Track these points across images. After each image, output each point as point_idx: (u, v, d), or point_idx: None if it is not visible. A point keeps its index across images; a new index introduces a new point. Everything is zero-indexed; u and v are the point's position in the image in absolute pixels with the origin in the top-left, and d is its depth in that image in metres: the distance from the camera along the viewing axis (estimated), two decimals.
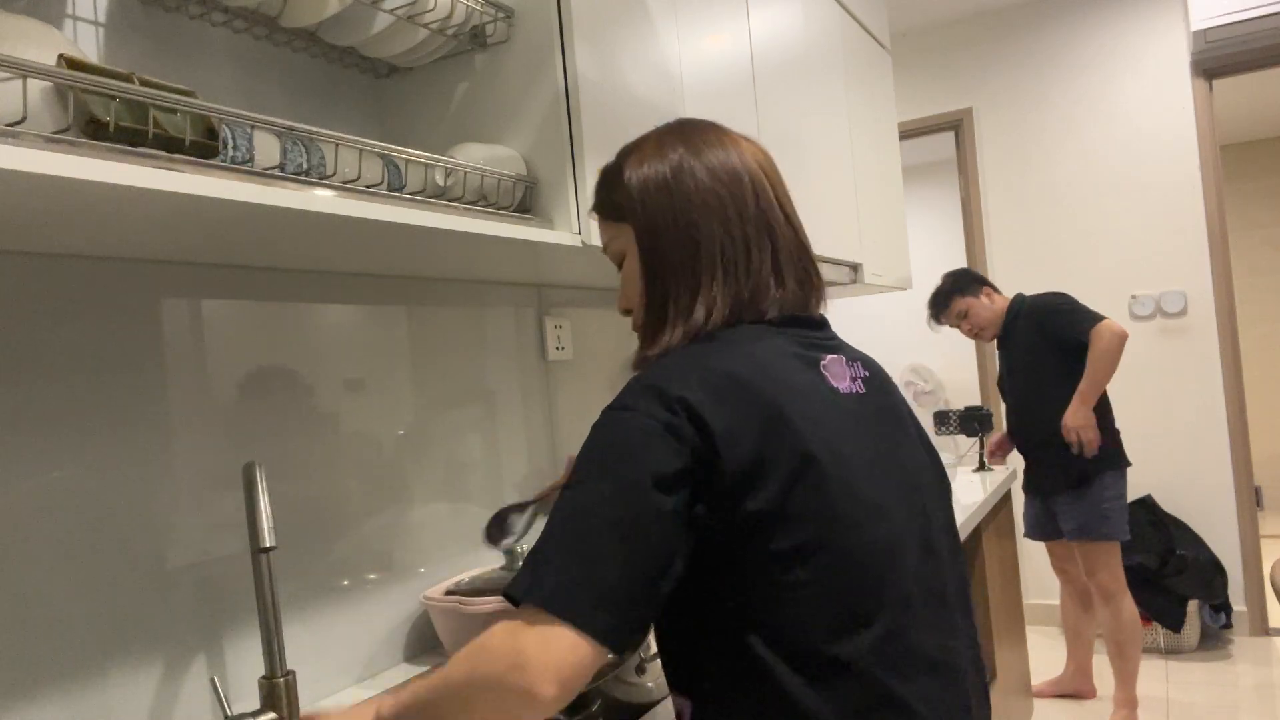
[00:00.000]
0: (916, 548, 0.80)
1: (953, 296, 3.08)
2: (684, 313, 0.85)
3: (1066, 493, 2.85)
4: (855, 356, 0.90)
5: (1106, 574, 2.84)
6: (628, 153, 0.91)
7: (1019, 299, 2.99)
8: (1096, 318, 2.75)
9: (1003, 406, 3.95)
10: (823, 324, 0.90)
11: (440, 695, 0.73)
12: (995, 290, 3.09)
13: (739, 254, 0.85)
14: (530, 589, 0.70)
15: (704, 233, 0.85)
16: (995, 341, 3.09)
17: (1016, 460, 3.96)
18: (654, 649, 1.07)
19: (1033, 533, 3.06)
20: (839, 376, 0.85)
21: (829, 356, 0.86)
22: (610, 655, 0.69)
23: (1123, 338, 2.71)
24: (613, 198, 0.91)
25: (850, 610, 0.74)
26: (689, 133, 0.90)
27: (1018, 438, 3.02)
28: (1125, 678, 2.85)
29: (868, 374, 0.89)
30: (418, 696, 0.76)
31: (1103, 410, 2.83)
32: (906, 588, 0.77)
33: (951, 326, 3.12)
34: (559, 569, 0.69)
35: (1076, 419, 2.76)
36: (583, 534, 0.70)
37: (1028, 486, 3.05)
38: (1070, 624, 3.13)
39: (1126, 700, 2.85)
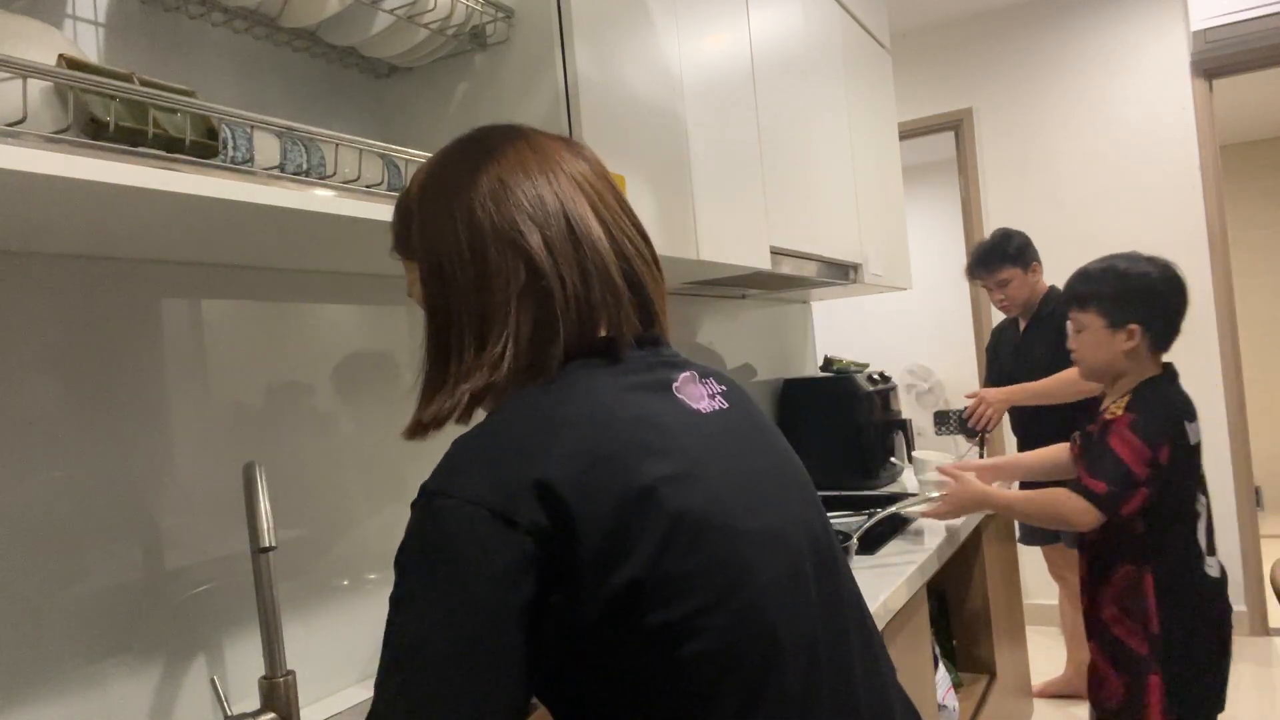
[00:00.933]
0: (813, 569, 0.73)
1: (1002, 263, 2.89)
2: (477, 362, 0.71)
3: None
4: (706, 372, 0.80)
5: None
6: (418, 178, 0.79)
7: (1054, 291, 2.89)
8: None
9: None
10: (659, 342, 0.79)
11: None
12: (1041, 269, 2.98)
13: (549, 287, 0.71)
14: None
15: (495, 266, 0.71)
16: (1007, 319, 3.02)
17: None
18: None
19: (1028, 538, 3.02)
20: (696, 397, 0.75)
21: (680, 375, 0.76)
22: None
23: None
24: (403, 232, 0.79)
25: (756, 675, 0.64)
26: (482, 150, 0.77)
27: (1020, 431, 2.99)
28: None
29: (724, 388, 0.80)
30: None
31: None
32: (811, 632, 0.69)
33: (984, 288, 2.99)
34: (409, 714, 0.59)
35: (996, 398, 2.71)
36: (426, 669, 0.60)
37: (1025, 488, 3.03)
38: (1070, 625, 3.13)
39: None
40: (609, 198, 0.78)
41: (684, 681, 0.63)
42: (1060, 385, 2.69)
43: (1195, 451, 1.74)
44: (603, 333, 0.74)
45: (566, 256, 0.72)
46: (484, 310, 0.72)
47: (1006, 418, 3.06)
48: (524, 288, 0.71)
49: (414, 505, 0.65)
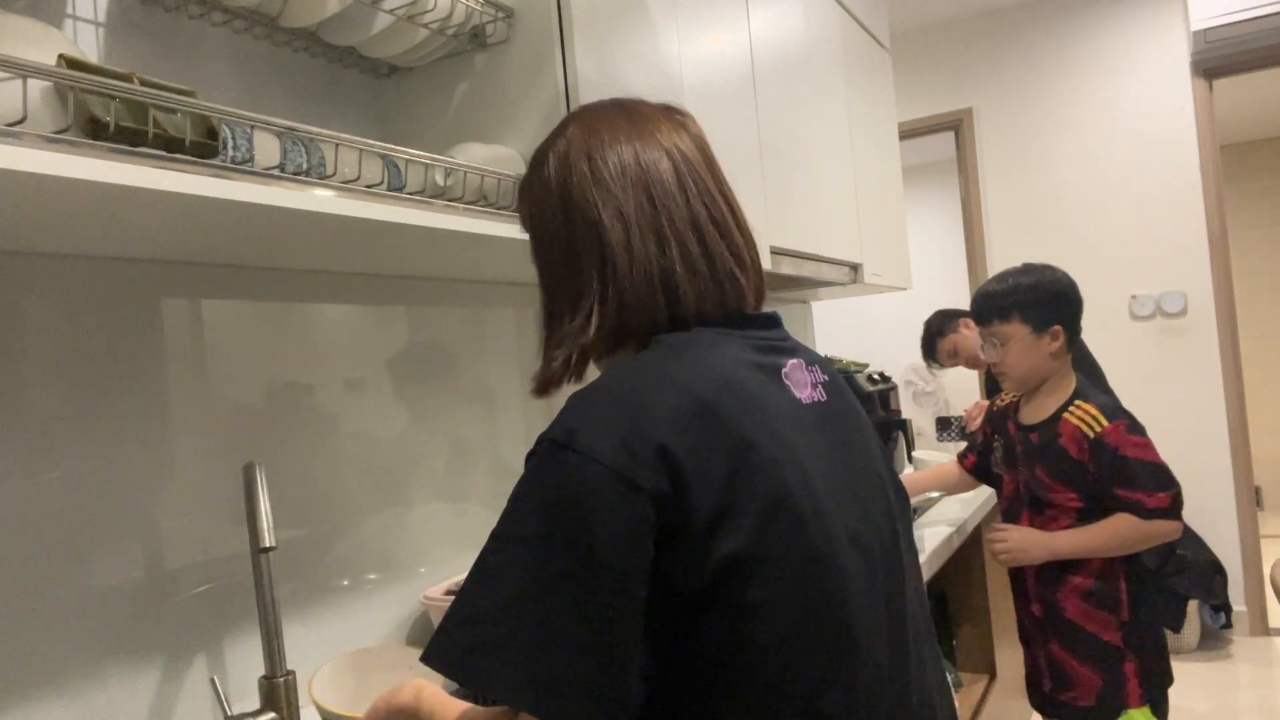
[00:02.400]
0: (882, 571, 0.74)
1: (935, 341, 3.05)
2: (572, 326, 0.76)
3: None
4: (813, 360, 0.81)
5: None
6: (533, 156, 0.84)
7: None
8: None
9: None
10: (776, 322, 0.81)
11: None
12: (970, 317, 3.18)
13: (624, 258, 0.74)
14: (494, 678, 0.61)
15: (579, 240, 0.76)
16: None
17: None
18: None
19: None
20: (801, 385, 0.76)
21: (790, 362, 0.77)
22: None
23: None
24: (520, 209, 0.85)
25: (830, 663, 0.66)
26: (579, 125, 0.81)
27: None
28: None
29: (826, 378, 0.81)
30: None
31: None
32: (880, 629, 0.71)
33: (952, 367, 3.12)
34: (523, 659, 0.60)
35: (979, 405, 2.76)
36: (540, 616, 0.61)
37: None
38: None
39: None
40: (701, 173, 0.79)
41: (759, 660, 0.65)
42: None
43: None
44: (717, 303, 0.76)
45: (645, 229, 0.75)
46: (573, 278, 0.76)
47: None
48: (604, 258, 0.75)
49: (532, 455, 0.66)
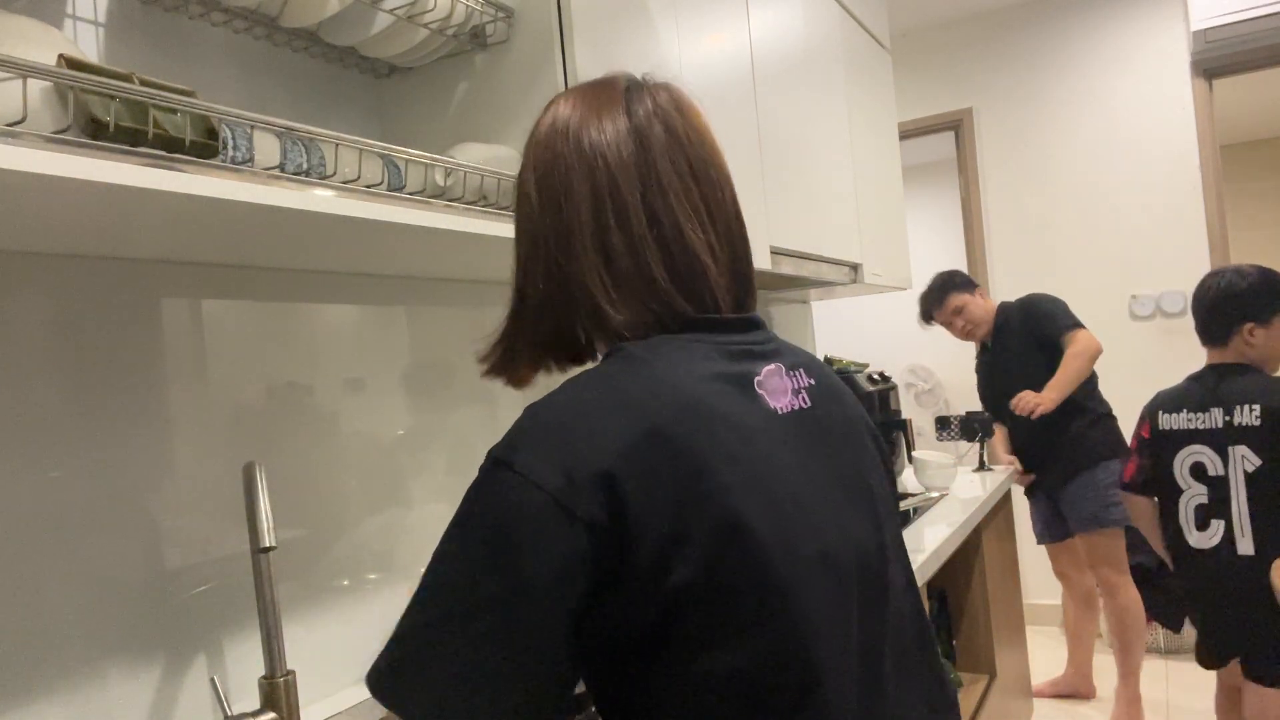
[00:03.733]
0: (859, 594, 0.70)
1: (948, 292, 3.09)
2: (517, 325, 0.75)
3: (1072, 482, 2.89)
4: (797, 363, 0.76)
5: (1110, 566, 2.86)
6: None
7: (1005, 304, 3.09)
8: (1076, 324, 2.89)
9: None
10: (756, 324, 0.75)
11: None
12: (984, 293, 3.20)
13: (634, 242, 0.70)
14: (404, 706, 0.60)
15: (575, 215, 0.71)
16: (979, 347, 3.17)
17: None
18: None
19: (1044, 536, 3.08)
20: (778, 392, 0.71)
21: (765, 368, 0.71)
22: None
23: (1097, 348, 2.83)
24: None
25: (792, 698, 0.63)
26: (560, 110, 0.75)
27: (1016, 439, 3.05)
28: (1128, 672, 2.85)
29: (812, 382, 0.75)
30: None
31: (1097, 400, 2.93)
32: (849, 654, 0.67)
33: (944, 324, 3.15)
34: (436, 691, 0.59)
35: (1039, 396, 2.82)
36: (460, 645, 0.59)
37: (1033, 489, 3.07)
38: (1071, 625, 3.13)
39: (1129, 696, 2.85)
40: (657, 163, 0.72)
41: (717, 698, 0.61)
42: (1072, 359, 2.85)
43: None
44: (692, 303, 0.71)
45: (584, 233, 0.71)
46: (520, 272, 0.74)
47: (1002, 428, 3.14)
48: (543, 258, 0.72)
49: (481, 468, 0.64)
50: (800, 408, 0.72)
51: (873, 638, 0.71)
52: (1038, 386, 2.87)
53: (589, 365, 0.72)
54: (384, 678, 0.61)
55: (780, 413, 0.70)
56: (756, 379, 0.70)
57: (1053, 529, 3.05)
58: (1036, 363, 2.92)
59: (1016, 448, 3.06)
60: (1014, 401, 2.84)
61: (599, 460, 0.60)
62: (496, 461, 0.63)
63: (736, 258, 0.75)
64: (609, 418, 0.62)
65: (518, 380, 0.79)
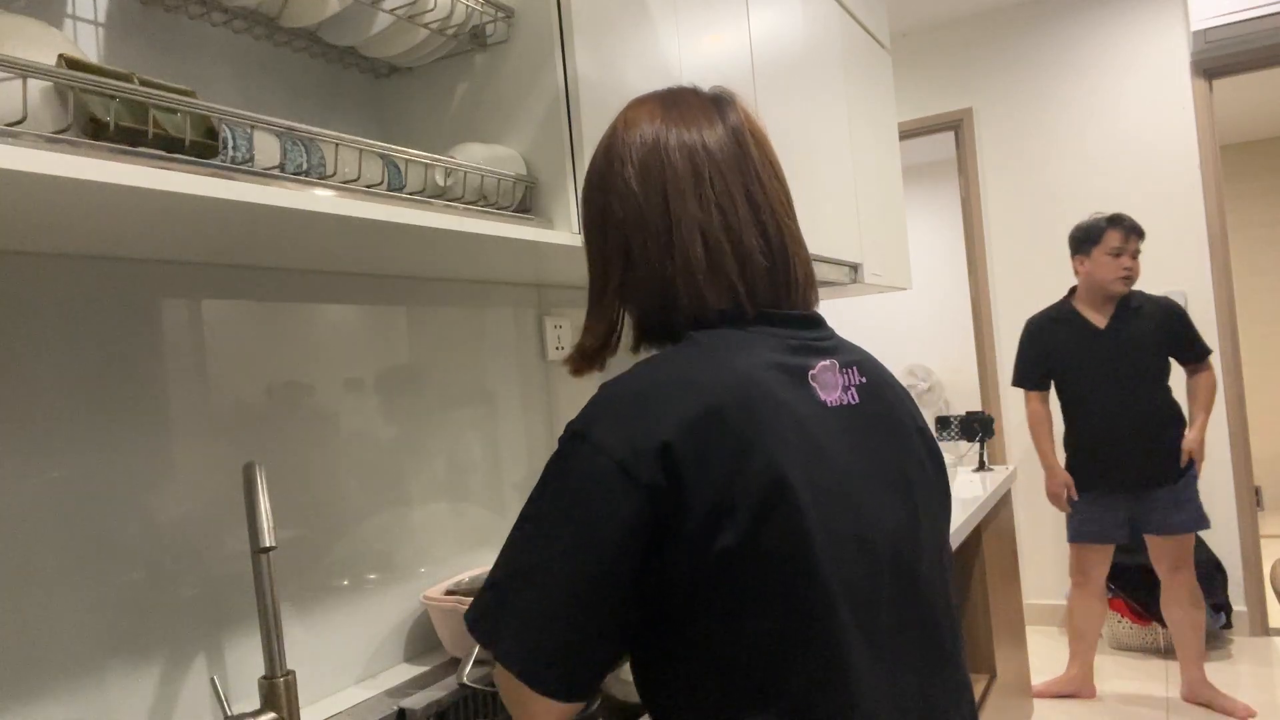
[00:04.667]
0: (890, 581, 0.75)
1: (1141, 236, 2.93)
2: (595, 320, 0.83)
3: (1173, 485, 2.85)
4: (851, 360, 0.81)
5: (1191, 569, 2.90)
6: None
7: (1136, 290, 2.98)
8: (1210, 352, 2.91)
9: (1008, 407, 3.96)
10: (817, 322, 0.82)
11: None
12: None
13: (737, 230, 0.77)
14: (496, 641, 0.70)
15: (679, 209, 0.77)
16: (1063, 309, 3.01)
17: (1019, 459, 3.97)
18: None
19: (1098, 536, 2.96)
20: (829, 387, 0.77)
21: (820, 363, 0.78)
22: (571, 704, 0.71)
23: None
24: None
25: (818, 665, 0.68)
26: (634, 117, 0.82)
27: (1113, 427, 2.91)
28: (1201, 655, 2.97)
29: (863, 380, 0.81)
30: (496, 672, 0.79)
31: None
32: (878, 636, 0.72)
33: (1128, 252, 2.88)
34: (518, 627, 0.69)
35: (1199, 444, 2.84)
36: (539, 589, 0.69)
37: (1105, 484, 2.94)
38: (1079, 625, 3.09)
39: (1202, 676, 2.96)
40: (726, 171, 0.79)
41: (751, 655, 0.68)
42: (1212, 389, 2.92)
43: None
44: (754, 299, 0.78)
45: (658, 232, 0.78)
46: (597, 269, 0.82)
47: (1074, 417, 2.99)
48: (624, 256, 0.80)
49: (560, 439, 0.73)
50: (849, 403, 0.78)
51: (903, 623, 0.75)
52: (1158, 386, 2.86)
53: (663, 349, 0.79)
54: (479, 619, 0.71)
55: (829, 405, 0.76)
56: (811, 372, 0.77)
57: (1108, 532, 2.94)
58: (1162, 363, 2.88)
59: (1090, 444, 2.94)
60: (1188, 447, 2.81)
61: (660, 433, 0.68)
62: (574, 434, 0.72)
63: (806, 261, 0.84)
64: (672, 396, 0.70)
65: (601, 367, 0.87)
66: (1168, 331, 2.88)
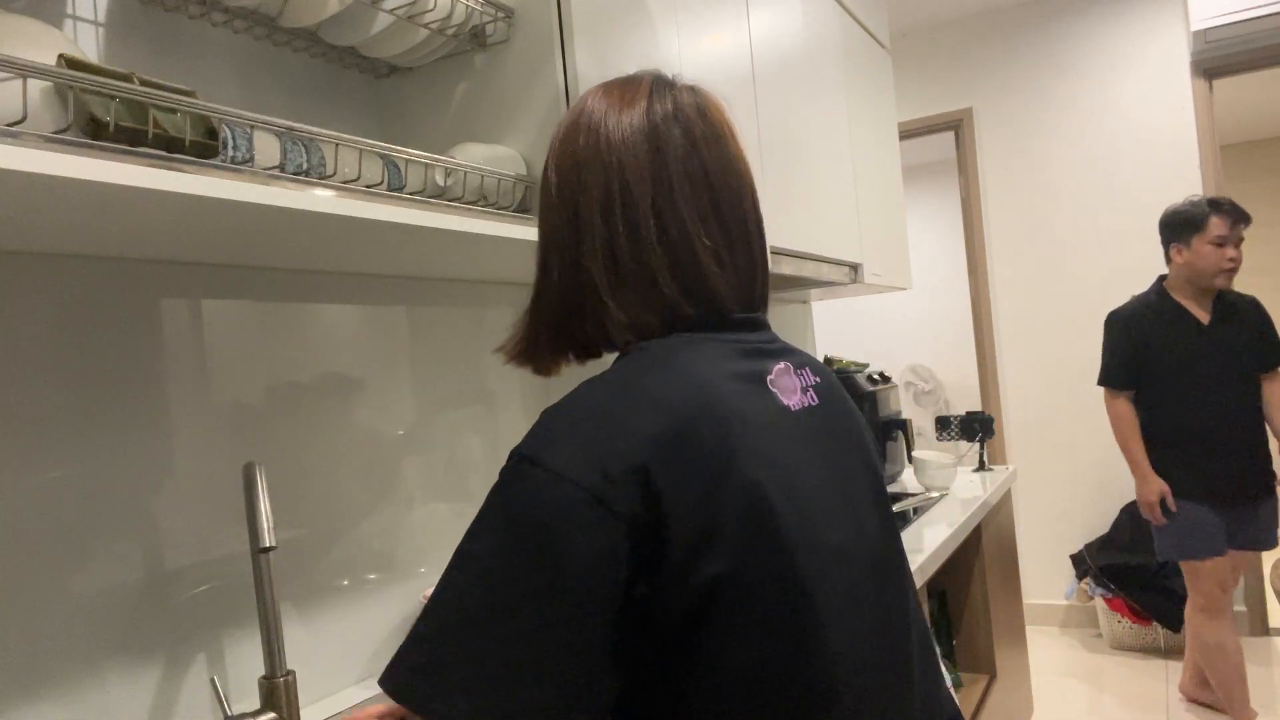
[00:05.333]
0: (872, 585, 0.71)
1: (1201, 225, 2.62)
2: (531, 316, 0.77)
3: (1269, 498, 2.63)
4: (802, 362, 0.77)
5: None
6: None
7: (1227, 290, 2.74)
8: None
9: (1008, 407, 3.96)
10: (761, 324, 0.77)
11: None
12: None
13: (640, 247, 0.71)
14: (440, 705, 0.57)
15: (587, 211, 0.72)
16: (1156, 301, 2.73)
17: (1019, 459, 3.97)
18: None
19: (1207, 548, 2.62)
20: (789, 390, 0.72)
21: (776, 366, 0.73)
22: None
23: None
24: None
25: (812, 688, 0.64)
26: (592, 94, 0.77)
27: (1212, 434, 2.63)
28: None
29: (818, 380, 0.77)
30: None
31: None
32: (866, 646, 0.68)
33: (1233, 240, 2.60)
34: (467, 689, 0.56)
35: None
36: (500, 643, 0.57)
37: (1201, 494, 2.64)
38: (1219, 666, 2.68)
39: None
40: (726, 153, 0.75)
41: (741, 686, 0.62)
42: None
43: None
44: (703, 303, 0.72)
45: (610, 230, 0.72)
46: (539, 264, 0.76)
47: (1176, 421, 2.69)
48: (552, 255, 0.75)
49: (503, 470, 0.63)
50: (810, 405, 0.74)
51: (895, 629, 0.72)
52: (1256, 390, 2.63)
53: (606, 358, 0.75)
54: (414, 679, 0.58)
55: (793, 409, 0.71)
56: (769, 377, 0.72)
57: (1215, 540, 2.63)
58: (1256, 366, 2.64)
59: (1185, 451, 2.65)
60: None
61: (634, 455, 0.60)
62: (523, 459, 0.62)
63: (750, 262, 0.76)
64: (638, 414, 0.62)
65: (543, 369, 0.79)
66: (1256, 331, 2.65)
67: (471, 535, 0.61)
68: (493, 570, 0.59)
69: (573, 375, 1.85)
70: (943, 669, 0.81)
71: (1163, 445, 2.70)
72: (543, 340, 0.77)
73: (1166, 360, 2.67)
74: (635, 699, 0.64)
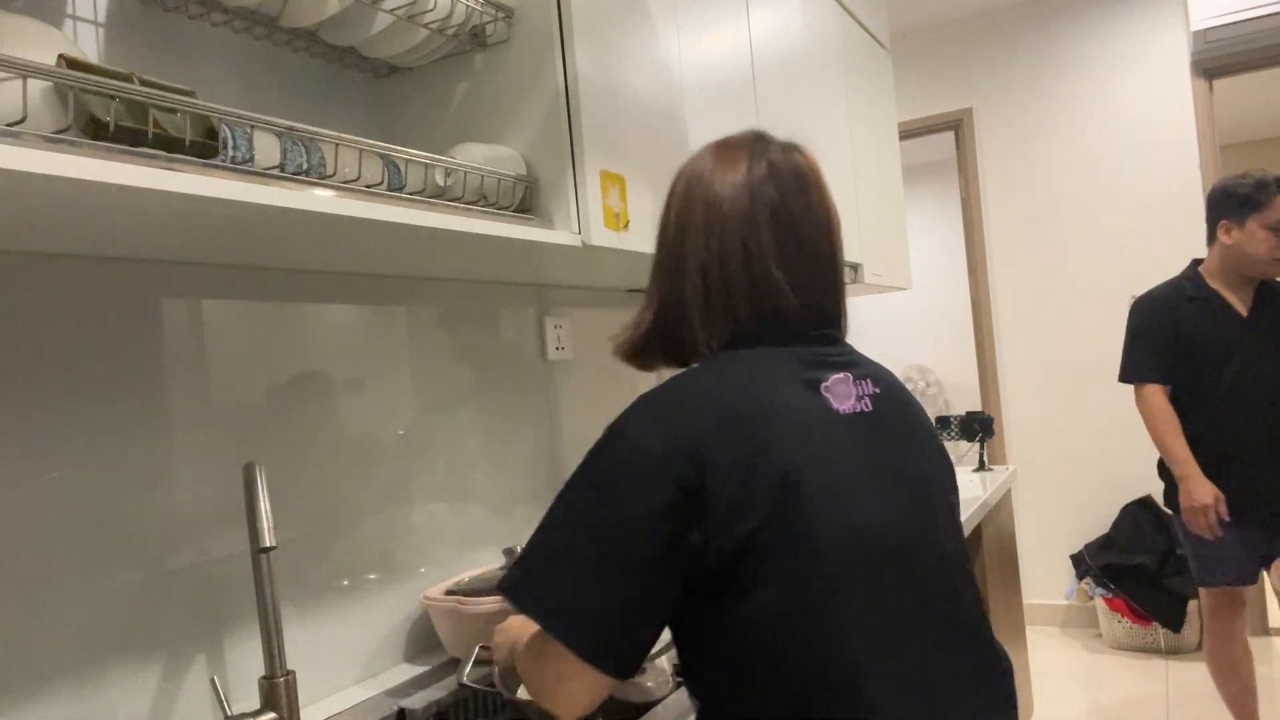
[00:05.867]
0: (910, 572, 0.82)
1: (1258, 207, 2.28)
2: (635, 327, 0.95)
3: None
4: (865, 374, 0.91)
5: None
6: None
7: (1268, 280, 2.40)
8: None
9: (1008, 407, 3.96)
10: (834, 340, 0.92)
11: (524, 670, 0.86)
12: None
13: (728, 277, 0.88)
14: (534, 605, 0.77)
15: (691, 248, 0.90)
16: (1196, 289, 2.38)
17: (1019, 459, 3.97)
18: (655, 650, 1.08)
19: (1238, 575, 2.34)
20: (842, 397, 0.86)
21: (834, 376, 0.87)
22: (611, 676, 0.77)
23: None
24: None
25: (824, 649, 0.76)
26: (704, 154, 0.95)
27: (1251, 440, 2.30)
28: None
29: (877, 390, 0.90)
30: (521, 661, 0.86)
31: None
32: (881, 616, 0.79)
33: (1274, 230, 2.25)
34: (555, 595, 0.77)
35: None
36: (575, 563, 0.77)
37: (1238, 510, 2.30)
38: (1233, 690, 2.45)
39: None
40: (813, 199, 0.91)
41: (766, 630, 0.76)
42: None
43: None
44: (778, 321, 0.88)
45: (707, 266, 0.89)
46: (655, 285, 0.94)
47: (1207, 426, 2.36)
48: (673, 279, 0.92)
49: (601, 437, 0.82)
50: (863, 410, 0.87)
51: (918, 605, 0.82)
52: None
53: (693, 366, 0.89)
54: (515, 583, 0.79)
55: (841, 412, 0.85)
56: (824, 384, 0.86)
57: (1247, 566, 2.34)
58: None
59: (1219, 459, 2.32)
60: None
61: (691, 434, 0.78)
62: (613, 430, 0.81)
63: (827, 288, 0.92)
64: (700, 404, 0.80)
65: (644, 368, 0.98)
66: None
67: (569, 484, 0.81)
68: (576, 510, 0.79)
69: (576, 378, 1.84)
70: (996, 658, 0.89)
71: (1192, 452, 2.34)
72: (647, 347, 0.95)
73: (1202, 354, 2.32)
74: (691, 632, 0.81)
